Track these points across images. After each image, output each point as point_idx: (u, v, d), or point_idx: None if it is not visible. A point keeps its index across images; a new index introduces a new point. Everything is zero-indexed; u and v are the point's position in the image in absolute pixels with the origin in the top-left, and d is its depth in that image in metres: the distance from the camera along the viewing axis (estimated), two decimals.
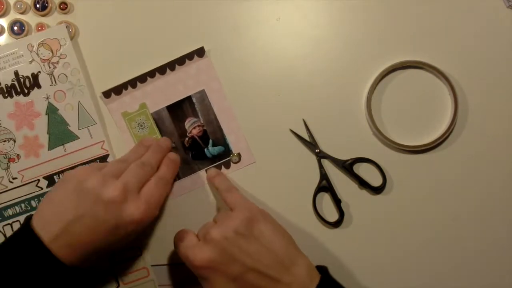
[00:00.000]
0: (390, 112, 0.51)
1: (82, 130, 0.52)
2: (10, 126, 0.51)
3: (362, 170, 0.51)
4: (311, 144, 0.51)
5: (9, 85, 0.51)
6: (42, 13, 0.52)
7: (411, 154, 0.51)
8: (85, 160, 0.52)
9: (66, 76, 0.51)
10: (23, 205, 0.52)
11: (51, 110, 0.51)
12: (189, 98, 0.52)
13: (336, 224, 0.51)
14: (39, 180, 0.52)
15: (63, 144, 0.52)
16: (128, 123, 0.52)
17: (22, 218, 0.52)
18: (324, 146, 0.51)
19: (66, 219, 0.41)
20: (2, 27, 0.52)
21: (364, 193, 0.51)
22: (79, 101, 0.51)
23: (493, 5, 0.51)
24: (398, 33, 0.51)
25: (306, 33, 0.52)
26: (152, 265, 0.52)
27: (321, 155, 0.51)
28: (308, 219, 0.51)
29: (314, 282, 0.41)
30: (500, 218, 0.51)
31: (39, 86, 0.51)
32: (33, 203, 0.52)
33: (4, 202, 0.52)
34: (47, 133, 0.51)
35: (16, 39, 0.51)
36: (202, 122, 0.52)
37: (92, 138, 0.52)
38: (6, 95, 0.51)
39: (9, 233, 0.52)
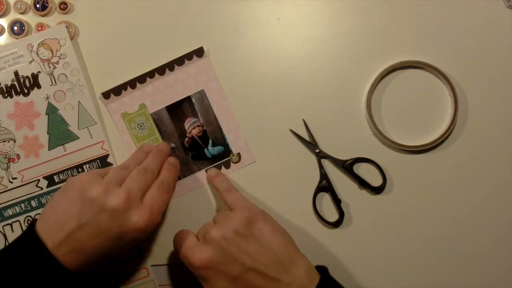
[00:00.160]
0: (390, 112, 0.51)
1: (82, 130, 0.52)
2: (10, 126, 0.51)
3: (362, 170, 0.51)
4: (311, 144, 0.51)
5: (9, 85, 0.51)
6: (42, 13, 0.52)
7: (411, 154, 0.51)
8: (85, 160, 0.52)
9: (66, 76, 0.51)
10: (23, 205, 0.52)
11: (51, 110, 0.51)
12: (188, 98, 0.52)
13: (336, 224, 0.51)
14: (39, 180, 0.52)
15: (63, 144, 0.52)
16: (127, 123, 0.52)
17: (22, 218, 0.52)
18: (324, 146, 0.51)
19: (70, 227, 0.41)
20: (2, 27, 0.52)
21: (364, 193, 0.51)
22: (79, 101, 0.51)
23: (493, 5, 0.51)
24: (398, 33, 0.51)
25: (306, 33, 0.52)
26: (152, 265, 0.52)
27: (321, 155, 0.51)
28: (308, 219, 0.51)
29: (313, 282, 0.41)
30: (500, 218, 0.51)
31: (39, 86, 0.51)
32: (33, 203, 0.52)
33: (4, 202, 0.52)
34: (47, 133, 0.51)
35: (16, 39, 0.51)
36: (201, 122, 0.52)
37: (92, 138, 0.52)
38: (6, 95, 0.51)
39: (9, 233, 0.52)
